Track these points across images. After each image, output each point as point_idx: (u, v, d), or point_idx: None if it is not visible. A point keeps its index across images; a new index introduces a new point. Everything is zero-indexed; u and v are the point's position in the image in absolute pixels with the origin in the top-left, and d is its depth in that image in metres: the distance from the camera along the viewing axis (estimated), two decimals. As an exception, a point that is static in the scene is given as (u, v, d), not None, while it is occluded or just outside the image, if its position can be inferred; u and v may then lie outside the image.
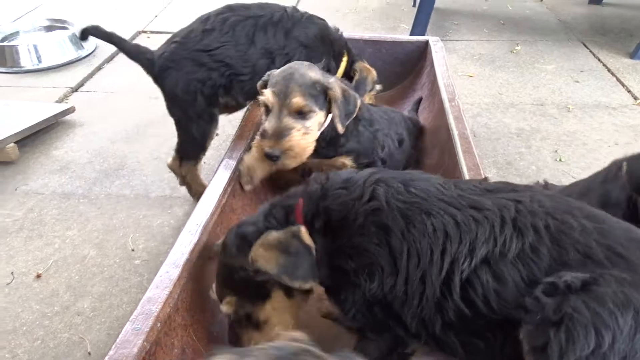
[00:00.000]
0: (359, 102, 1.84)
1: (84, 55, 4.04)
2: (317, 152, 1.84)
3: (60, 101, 3.49)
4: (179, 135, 2.35)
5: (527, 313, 1.07)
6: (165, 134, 3.13)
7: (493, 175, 2.73)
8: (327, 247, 1.29)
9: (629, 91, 3.60)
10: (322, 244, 1.29)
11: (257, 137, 1.73)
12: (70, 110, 3.23)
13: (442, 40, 3.11)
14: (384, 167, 2.00)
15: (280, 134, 1.66)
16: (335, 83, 1.78)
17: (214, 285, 1.43)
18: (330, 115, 1.81)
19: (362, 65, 2.43)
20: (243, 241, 1.33)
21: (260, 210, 1.41)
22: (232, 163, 1.80)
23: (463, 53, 4.24)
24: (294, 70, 1.73)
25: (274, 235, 1.28)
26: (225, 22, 2.19)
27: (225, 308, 1.36)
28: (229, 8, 2.27)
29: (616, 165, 1.64)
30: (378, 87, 2.54)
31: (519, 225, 1.15)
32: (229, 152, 1.90)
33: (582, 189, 1.68)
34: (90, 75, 3.85)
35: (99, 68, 3.97)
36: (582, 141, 3.05)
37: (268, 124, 1.69)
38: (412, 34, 4.29)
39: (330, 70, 2.29)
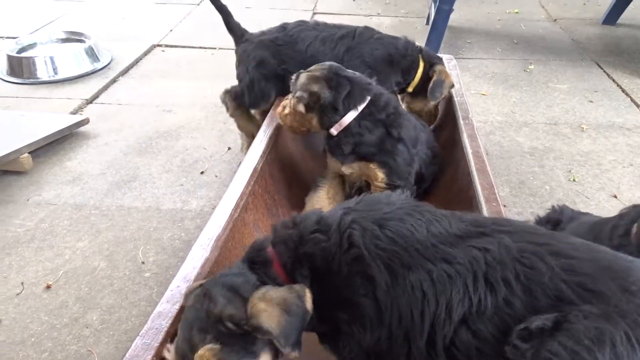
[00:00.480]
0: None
1: (99, 67, 4.09)
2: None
3: (74, 112, 3.52)
4: (242, 88, 2.73)
5: None
6: (176, 147, 3.15)
7: (506, 194, 2.71)
8: (316, 298, 1.22)
9: (644, 112, 3.58)
10: (312, 293, 1.23)
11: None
12: (85, 121, 3.26)
13: (455, 58, 3.11)
14: (416, 191, 2.11)
15: None
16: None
17: (170, 346, 1.23)
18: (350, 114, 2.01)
19: (441, 69, 2.59)
20: (233, 292, 1.21)
21: (239, 264, 1.32)
22: (245, 177, 1.79)
23: (476, 71, 4.23)
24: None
25: (278, 292, 1.19)
26: (296, 27, 2.62)
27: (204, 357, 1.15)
28: (304, 22, 2.69)
29: (623, 219, 1.58)
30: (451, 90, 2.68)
31: (491, 281, 1.15)
32: (243, 166, 1.90)
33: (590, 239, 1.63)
34: (105, 88, 3.89)
35: (113, 80, 4.00)
36: (597, 161, 3.02)
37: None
38: (425, 51, 4.30)
39: (399, 85, 2.60)
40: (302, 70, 2.07)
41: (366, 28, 2.63)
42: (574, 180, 2.84)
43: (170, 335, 1.21)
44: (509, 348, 1.07)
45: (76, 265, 2.24)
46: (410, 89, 2.65)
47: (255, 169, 1.86)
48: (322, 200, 2.13)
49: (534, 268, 1.14)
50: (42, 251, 2.32)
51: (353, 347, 1.24)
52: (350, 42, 2.52)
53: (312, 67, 2.07)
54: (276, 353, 1.22)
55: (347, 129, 2.00)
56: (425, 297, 1.17)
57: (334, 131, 2.01)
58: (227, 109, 2.85)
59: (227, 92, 2.80)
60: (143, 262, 2.25)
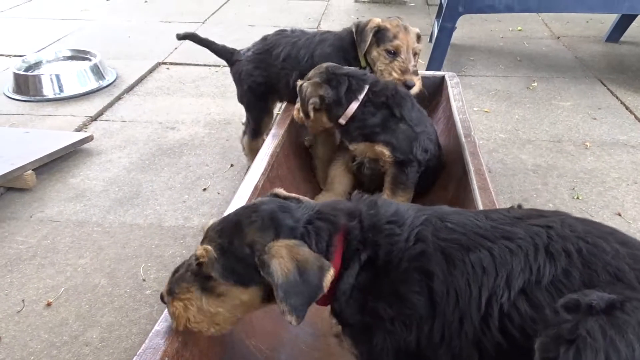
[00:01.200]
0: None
1: (104, 85, 4.13)
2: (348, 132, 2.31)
3: (79, 129, 3.54)
4: (245, 116, 2.94)
5: (546, 325, 1.05)
6: (179, 164, 3.16)
7: (509, 211, 2.69)
8: (363, 285, 1.22)
9: (648, 129, 3.57)
10: (360, 280, 1.23)
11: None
12: (89, 138, 3.28)
13: (458, 75, 3.12)
14: (420, 169, 2.30)
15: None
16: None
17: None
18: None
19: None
20: (272, 224, 1.23)
21: (308, 208, 1.31)
22: (247, 194, 1.79)
23: (479, 89, 4.25)
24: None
25: (305, 252, 1.18)
26: (275, 36, 2.76)
27: (199, 252, 1.24)
28: (283, 30, 2.81)
29: None
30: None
31: (552, 251, 1.13)
32: (244, 183, 1.90)
33: None
34: (110, 105, 3.92)
35: (118, 98, 4.04)
36: (601, 179, 3.00)
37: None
38: (428, 69, 4.33)
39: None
40: (301, 81, 2.28)
41: (328, 32, 2.73)
42: (577, 197, 2.83)
43: (169, 355, 1.20)
44: (549, 312, 1.06)
45: (77, 282, 2.23)
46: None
47: (256, 187, 1.86)
48: (341, 170, 2.52)
49: (598, 246, 1.13)
50: (44, 268, 2.32)
51: (389, 345, 1.21)
52: (311, 46, 2.64)
53: (310, 74, 2.27)
54: (269, 297, 1.22)
55: (353, 117, 2.24)
56: (484, 272, 1.15)
57: (342, 121, 2.26)
58: (243, 149, 3.04)
59: (244, 132, 2.99)
60: (144, 280, 2.25)
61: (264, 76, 2.71)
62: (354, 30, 2.52)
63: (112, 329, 1.99)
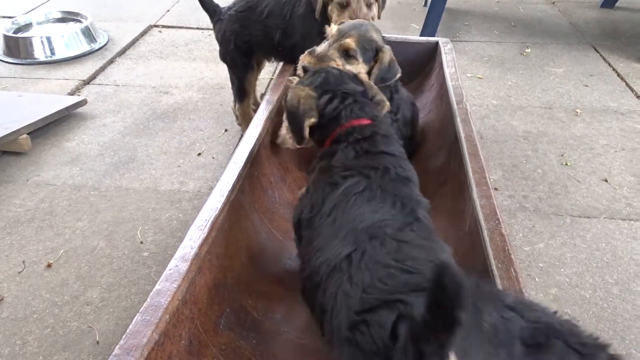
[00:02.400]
0: (399, 76, 2.11)
1: (96, 48, 4.09)
2: None
3: (72, 93, 3.53)
4: (230, 79, 2.97)
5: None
6: (173, 128, 3.18)
7: (499, 177, 2.75)
8: (329, 159, 1.51)
9: (638, 96, 3.60)
10: (328, 154, 1.54)
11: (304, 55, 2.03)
12: (82, 102, 3.27)
13: (452, 40, 3.12)
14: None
15: (322, 57, 1.97)
16: (388, 50, 2.07)
17: None
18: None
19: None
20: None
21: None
22: (242, 160, 1.83)
23: (473, 54, 4.24)
24: (362, 24, 2.07)
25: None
26: None
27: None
28: None
29: None
30: None
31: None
32: (239, 149, 1.93)
33: None
34: (102, 69, 3.89)
35: (110, 61, 4.01)
36: (589, 146, 3.06)
37: (318, 48, 2.02)
38: (422, 34, 4.31)
39: None
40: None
41: None
42: (566, 164, 2.88)
43: (169, 312, 1.25)
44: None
45: (76, 244, 2.28)
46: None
47: (251, 152, 1.89)
48: None
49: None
50: (43, 231, 2.36)
51: (306, 203, 1.53)
52: (292, 2, 2.63)
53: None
54: None
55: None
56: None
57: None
58: (237, 118, 3.09)
59: (234, 101, 3.01)
60: (141, 242, 2.30)
61: (248, 34, 2.72)
62: None
63: (111, 289, 2.05)
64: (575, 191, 2.65)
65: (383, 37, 2.20)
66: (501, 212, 1.60)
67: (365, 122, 1.57)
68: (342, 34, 2.02)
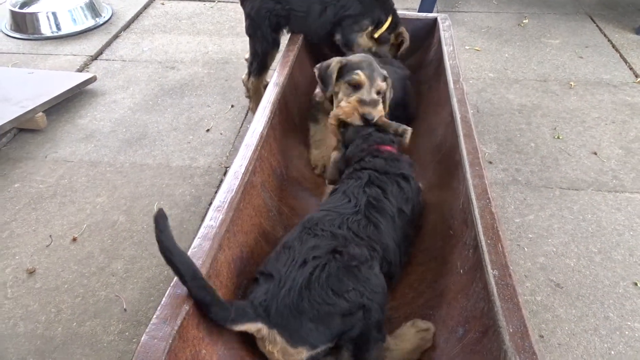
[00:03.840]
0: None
1: (101, 22, 4.16)
2: None
3: (81, 69, 3.64)
4: (250, 53, 3.00)
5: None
6: (181, 105, 3.30)
7: (493, 151, 2.89)
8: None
9: (631, 68, 3.71)
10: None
11: (354, 102, 2.18)
12: (93, 79, 3.38)
13: (450, 11, 3.22)
14: None
15: (375, 102, 2.19)
16: (389, 81, 2.30)
17: None
18: None
19: (403, 30, 3.02)
20: None
21: None
22: (253, 143, 1.97)
23: (471, 25, 4.32)
24: (371, 61, 2.26)
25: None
26: None
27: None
28: None
29: None
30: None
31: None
32: (250, 132, 2.07)
33: None
34: (108, 44, 3.98)
35: (116, 36, 4.09)
36: (581, 119, 3.19)
37: (364, 94, 2.19)
38: (420, 9, 4.35)
39: (379, 23, 2.90)
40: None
41: None
42: (558, 137, 3.02)
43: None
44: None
45: (97, 219, 2.45)
46: (376, 35, 2.94)
47: (261, 135, 2.03)
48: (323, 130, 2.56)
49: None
50: (65, 206, 2.52)
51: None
52: None
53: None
54: None
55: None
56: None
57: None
58: (247, 91, 3.14)
59: (248, 74, 3.06)
60: (158, 217, 2.46)
61: (287, 9, 2.81)
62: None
63: (134, 261, 2.23)
64: (566, 164, 2.80)
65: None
66: (492, 190, 1.75)
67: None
68: (371, 79, 2.20)
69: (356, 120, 2.17)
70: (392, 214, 1.82)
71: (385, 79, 2.27)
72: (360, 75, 2.19)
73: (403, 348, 1.59)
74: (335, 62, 2.28)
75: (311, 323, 1.42)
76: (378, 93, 2.21)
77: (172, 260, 1.31)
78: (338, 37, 2.87)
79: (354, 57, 2.30)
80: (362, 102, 2.17)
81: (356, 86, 2.21)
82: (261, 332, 1.43)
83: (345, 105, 2.20)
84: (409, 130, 2.17)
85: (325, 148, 2.51)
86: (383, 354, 1.56)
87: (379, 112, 2.19)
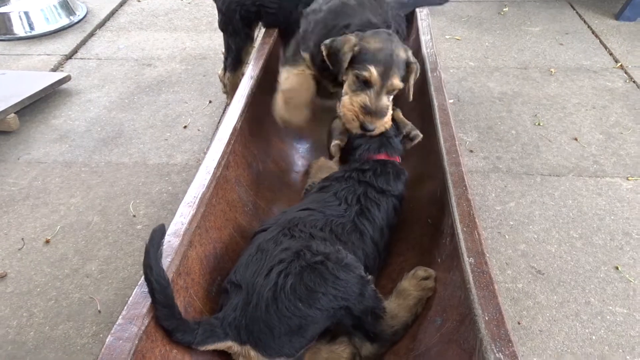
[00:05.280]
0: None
1: (75, 21, 4.08)
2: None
3: (55, 69, 3.56)
4: (225, 48, 2.94)
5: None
6: (158, 102, 3.24)
7: (474, 140, 2.87)
8: None
9: (611, 54, 3.70)
10: None
11: (355, 109, 1.88)
12: (67, 79, 3.31)
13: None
14: None
15: (380, 112, 1.87)
16: (414, 59, 1.95)
17: None
18: None
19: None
20: None
21: None
22: (226, 137, 1.92)
23: (452, 15, 4.29)
24: (392, 50, 1.86)
25: None
26: None
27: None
28: None
29: None
30: None
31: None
32: (223, 126, 2.02)
33: None
34: (83, 42, 3.90)
35: (91, 34, 4.01)
36: (562, 105, 3.18)
37: (370, 100, 1.86)
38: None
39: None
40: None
41: None
42: (539, 124, 3.00)
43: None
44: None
45: (72, 220, 2.39)
46: None
47: (234, 128, 1.98)
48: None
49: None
50: (38, 208, 2.46)
51: None
52: None
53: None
54: None
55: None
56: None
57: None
58: (224, 86, 3.09)
59: (224, 69, 3.01)
60: (134, 216, 2.41)
61: (258, 4, 2.72)
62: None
63: (109, 262, 2.18)
64: (547, 150, 2.78)
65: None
66: (469, 178, 1.72)
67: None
68: (385, 75, 1.85)
69: (354, 129, 1.92)
70: (381, 226, 1.78)
71: (408, 65, 1.92)
72: (371, 73, 1.83)
73: (407, 305, 1.58)
74: (348, 44, 1.88)
75: (284, 337, 1.37)
76: (392, 92, 1.90)
77: (149, 278, 1.26)
78: None
79: (372, 40, 1.88)
80: (365, 109, 1.86)
81: (365, 82, 1.87)
82: (233, 349, 1.40)
83: (347, 105, 1.91)
84: (420, 137, 2.03)
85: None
86: (390, 322, 1.54)
87: (383, 124, 1.91)
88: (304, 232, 1.59)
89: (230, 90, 3.04)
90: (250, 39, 2.90)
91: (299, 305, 1.36)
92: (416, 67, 1.95)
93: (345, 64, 1.88)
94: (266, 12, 2.73)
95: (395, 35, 1.96)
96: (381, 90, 1.86)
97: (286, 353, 1.40)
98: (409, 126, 2.06)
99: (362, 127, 1.89)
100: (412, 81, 1.96)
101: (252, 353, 1.38)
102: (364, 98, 1.87)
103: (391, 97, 1.93)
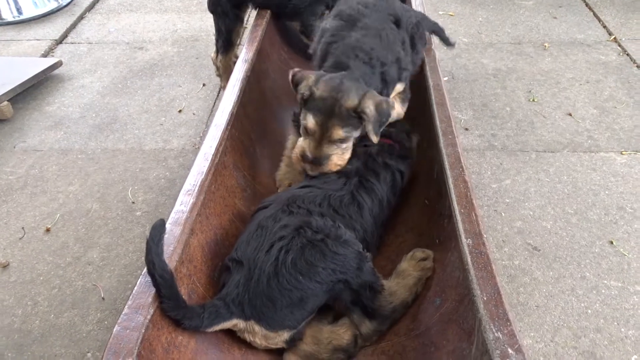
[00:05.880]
0: (391, 110, 1.79)
1: (64, 4, 4.02)
2: None
3: (45, 54, 3.52)
4: (215, 30, 2.91)
5: None
6: (152, 86, 3.22)
7: (469, 117, 2.88)
8: None
9: (605, 26, 3.69)
10: None
11: (297, 155, 1.83)
12: (58, 64, 3.28)
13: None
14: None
15: (320, 160, 1.79)
16: (369, 102, 1.72)
17: None
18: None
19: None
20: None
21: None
22: (223, 122, 1.92)
23: (444, -10, 4.25)
24: (336, 101, 1.72)
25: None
26: None
27: None
28: None
29: None
30: None
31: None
32: (219, 112, 2.02)
33: None
34: (73, 26, 3.85)
35: (81, 17, 3.96)
36: (556, 80, 3.18)
37: (309, 149, 1.78)
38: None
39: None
40: None
41: None
42: (533, 100, 3.01)
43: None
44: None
45: (71, 208, 2.40)
46: None
47: (231, 114, 1.98)
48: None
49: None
50: (37, 196, 2.47)
51: None
52: None
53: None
54: None
55: None
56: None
57: None
58: (217, 69, 3.04)
59: (216, 51, 2.97)
60: (133, 202, 2.42)
61: None
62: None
63: (110, 249, 2.20)
64: (541, 127, 2.80)
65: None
66: (465, 158, 1.74)
67: None
68: (324, 126, 1.74)
69: (299, 172, 1.93)
70: (381, 197, 1.80)
71: (361, 113, 1.72)
72: (309, 123, 1.75)
73: (406, 284, 1.62)
74: (305, 83, 1.78)
75: (286, 309, 1.42)
76: (336, 141, 1.77)
77: (153, 273, 1.28)
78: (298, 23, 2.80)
79: (322, 86, 1.74)
80: (304, 157, 1.80)
81: (307, 131, 1.79)
82: (238, 326, 1.44)
83: (296, 147, 1.86)
84: (416, 140, 2.10)
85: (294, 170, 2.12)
86: (389, 299, 1.57)
87: (331, 167, 1.80)
88: (302, 207, 1.63)
89: (222, 72, 3.02)
90: (240, 20, 2.89)
91: (299, 278, 1.42)
92: (369, 114, 1.72)
93: (300, 102, 1.80)
94: None
95: (353, 82, 1.77)
96: (322, 140, 1.77)
97: (288, 325, 1.45)
98: (407, 128, 2.09)
99: (307, 174, 1.86)
100: (369, 126, 1.73)
101: (257, 328, 1.43)
102: (305, 146, 1.80)
103: (343, 144, 1.80)
